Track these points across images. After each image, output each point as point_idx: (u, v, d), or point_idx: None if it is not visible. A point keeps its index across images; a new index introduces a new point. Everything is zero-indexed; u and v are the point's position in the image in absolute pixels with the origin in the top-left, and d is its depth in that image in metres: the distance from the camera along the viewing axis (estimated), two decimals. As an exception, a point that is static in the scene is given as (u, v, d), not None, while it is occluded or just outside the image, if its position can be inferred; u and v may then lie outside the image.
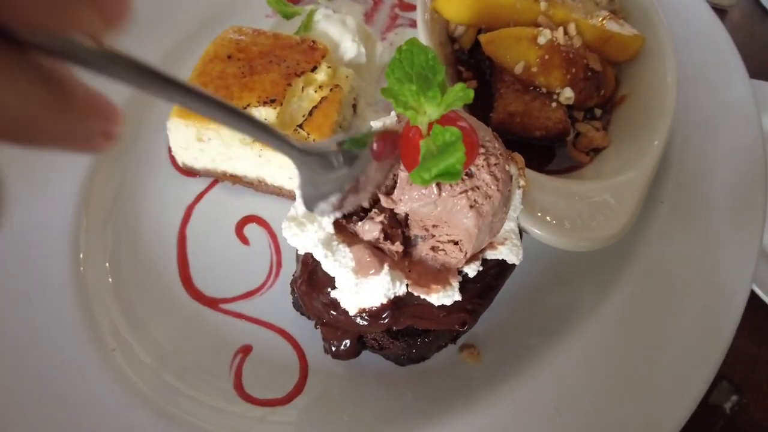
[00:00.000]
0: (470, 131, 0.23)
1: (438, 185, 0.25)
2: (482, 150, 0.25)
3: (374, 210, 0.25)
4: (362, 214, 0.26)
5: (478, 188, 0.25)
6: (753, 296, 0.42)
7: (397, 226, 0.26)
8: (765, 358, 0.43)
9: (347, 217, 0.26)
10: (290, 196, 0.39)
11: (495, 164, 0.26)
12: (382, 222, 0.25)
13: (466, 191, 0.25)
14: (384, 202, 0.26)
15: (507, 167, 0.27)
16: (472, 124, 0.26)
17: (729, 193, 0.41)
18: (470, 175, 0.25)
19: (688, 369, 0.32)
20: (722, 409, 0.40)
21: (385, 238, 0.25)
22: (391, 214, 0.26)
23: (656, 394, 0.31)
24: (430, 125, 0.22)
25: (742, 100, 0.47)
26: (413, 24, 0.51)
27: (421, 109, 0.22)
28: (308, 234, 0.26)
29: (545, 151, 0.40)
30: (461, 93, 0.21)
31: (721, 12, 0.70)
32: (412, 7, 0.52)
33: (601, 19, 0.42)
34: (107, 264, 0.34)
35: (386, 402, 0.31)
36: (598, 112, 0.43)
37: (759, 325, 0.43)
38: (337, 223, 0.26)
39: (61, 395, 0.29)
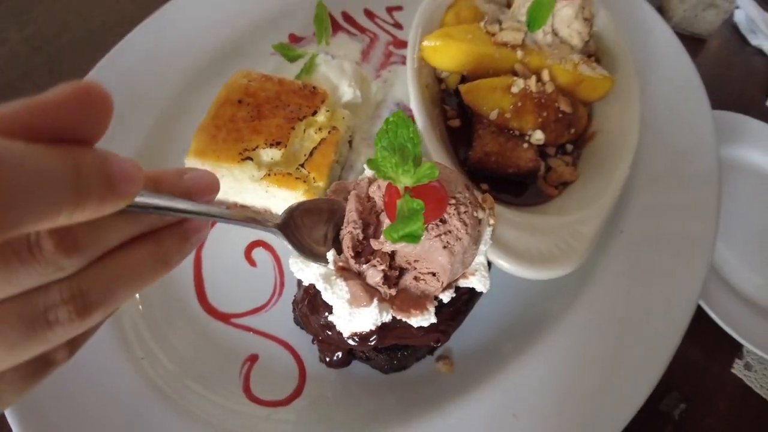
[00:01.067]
0: (439, 189, 0.29)
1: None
2: (453, 201, 0.31)
3: (377, 259, 0.31)
4: (362, 256, 0.32)
5: (450, 232, 0.31)
6: (707, 315, 0.48)
7: (392, 272, 0.31)
8: (715, 371, 0.49)
9: (356, 255, 0.31)
10: (292, 224, 0.44)
11: (464, 212, 0.31)
12: (383, 270, 0.30)
13: (440, 235, 0.31)
14: (373, 244, 0.31)
15: (475, 213, 0.32)
16: (445, 179, 0.32)
17: (683, 220, 0.46)
18: (443, 221, 0.31)
19: (635, 378, 0.38)
20: (671, 415, 0.45)
21: (384, 282, 0.31)
22: (390, 261, 0.31)
23: (603, 400, 0.36)
24: (406, 189, 0.27)
25: (702, 134, 0.52)
26: (405, 62, 0.56)
27: (398, 178, 0.27)
28: (311, 269, 0.32)
29: (518, 185, 0.45)
30: (428, 171, 0.26)
31: (699, 41, 0.74)
32: (405, 45, 0.58)
33: (574, 63, 0.47)
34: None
35: (371, 404, 0.37)
36: (569, 147, 0.48)
37: (710, 341, 0.48)
38: (349, 258, 0.32)
39: (100, 395, 0.35)
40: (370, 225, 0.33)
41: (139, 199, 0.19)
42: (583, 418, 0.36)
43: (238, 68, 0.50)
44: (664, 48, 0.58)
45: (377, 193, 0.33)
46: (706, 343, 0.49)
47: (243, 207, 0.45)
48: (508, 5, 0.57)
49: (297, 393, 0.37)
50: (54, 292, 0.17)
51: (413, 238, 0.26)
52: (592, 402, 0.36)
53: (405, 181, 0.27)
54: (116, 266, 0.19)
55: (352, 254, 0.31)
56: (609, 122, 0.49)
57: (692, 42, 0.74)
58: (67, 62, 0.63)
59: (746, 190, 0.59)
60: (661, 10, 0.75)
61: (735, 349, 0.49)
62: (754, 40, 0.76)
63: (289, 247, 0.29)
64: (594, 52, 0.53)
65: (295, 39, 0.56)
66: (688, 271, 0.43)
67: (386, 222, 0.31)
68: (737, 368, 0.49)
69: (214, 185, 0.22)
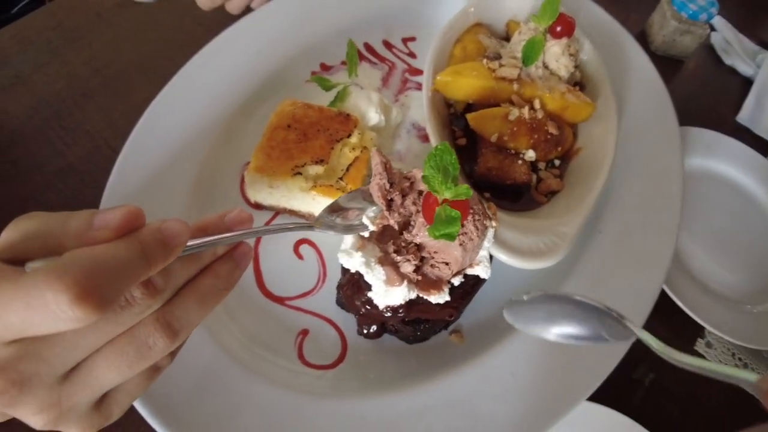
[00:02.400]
0: (466, 203, 0.40)
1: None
2: (471, 212, 0.42)
3: (411, 255, 0.42)
4: (397, 247, 0.43)
5: (465, 233, 0.42)
6: (674, 303, 0.59)
7: (420, 264, 0.42)
8: (679, 346, 0.59)
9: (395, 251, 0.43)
10: (331, 226, 0.56)
11: (477, 219, 0.42)
12: (416, 264, 0.42)
13: (458, 235, 0.42)
14: (406, 236, 0.43)
15: (485, 222, 0.43)
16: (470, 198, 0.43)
17: (651, 221, 0.57)
18: (462, 226, 0.42)
19: (608, 347, 0.49)
20: (642, 382, 0.57)
21: (414, 272, 0.42)
22: (418, 254, 0.43)
23: (582, 363, 0.48)
24: (444, 200, 0.39)
25: (669, 148, 0.63)
26: (419, 87, 0.68)
27: (441, 191, 0.38)
28: (355, 259, 0.43)
29: (514, 194, 0.57)
30: (465, 191, 0.38)
31: (678, 62, 0.86)
32: (419, 72, 0.69)
33: (561, 92, 0.59)
34: None
35: (398, 367, 0.49)
36: (557, 162, 0.60)
37: (677, 324, 0.59)
38: (382, 247, 0.43)
39: (190, 365, 0.46)
40: (403, 216, 0.44)
41: (192, 242, 0.27)
42: (566, 377, 0.47)
43: (278, 94, 0.61)
44: (640, 72, 0.70)
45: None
46: (673, 325, 0.60)
47: (291, 212, 0.56)
48: (506, 39, 0.68)
49: (340, 359, 0.49)
50: (149, 325, 0.25)
51: (450, 237, 0.38)
52: (574, 364, 0.48)
53: (446, 194, 0.38)
54: (189, 298, 0.27)
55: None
56: (591, 141, 0.60)
57: (671, 63, 0.85)
58: (123, 83, 0.75)
59: (712, 196, 0.70)
60: (644, 34, 0.87)
61: (698, 330, 0.60)
62: (728, 60, 0.87)
63: (327, 233, 0.40)
64: (579, 80, 0.64)
65: (325, 68, 0.68)
66: (654, 262, 0.54)
67: (419, 222, 0.42)
68: (699, 346, 0.61)
69: (246, 220, 0.31)
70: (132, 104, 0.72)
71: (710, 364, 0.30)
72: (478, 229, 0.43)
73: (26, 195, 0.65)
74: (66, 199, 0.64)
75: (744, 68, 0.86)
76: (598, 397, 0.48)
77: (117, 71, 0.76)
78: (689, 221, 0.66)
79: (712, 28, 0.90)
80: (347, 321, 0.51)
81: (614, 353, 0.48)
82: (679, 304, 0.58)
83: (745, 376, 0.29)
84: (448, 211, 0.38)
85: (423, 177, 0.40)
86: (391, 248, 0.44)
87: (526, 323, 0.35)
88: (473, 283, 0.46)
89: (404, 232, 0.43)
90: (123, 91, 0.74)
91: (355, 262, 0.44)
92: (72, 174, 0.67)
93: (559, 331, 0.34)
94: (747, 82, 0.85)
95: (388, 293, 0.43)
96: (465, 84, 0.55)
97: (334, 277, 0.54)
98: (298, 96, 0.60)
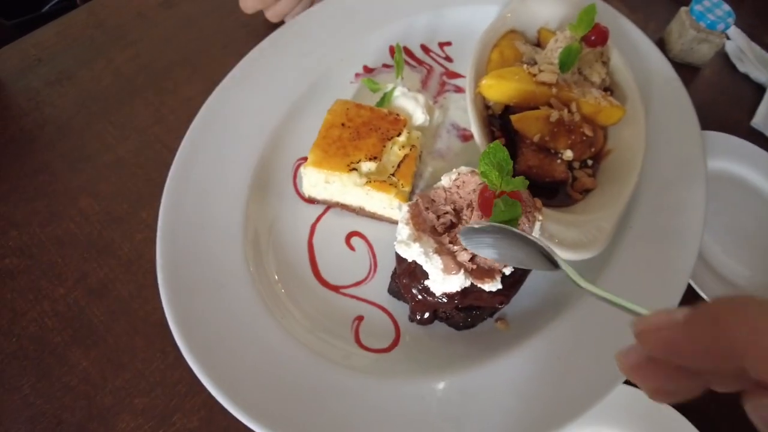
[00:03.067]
0: (520, 194, 0.44)
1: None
2: (522, 204, 0.47)
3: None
4: (452, 238, 0.47)
5: (519, 224, 0.46)
6: (699, 295, 0.64)
7: (474, 254, 0.47)
8: None
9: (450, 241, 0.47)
10: (381, 219, 0.60)
11: (528, 212, 0.47)
12: (471, 253, 0.46)
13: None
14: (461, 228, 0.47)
15: (535, 214, 0.48)
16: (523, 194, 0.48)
17: (677, 218, 0.62)
18: None
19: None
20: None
21: (469, 261, 0.46)
22: None
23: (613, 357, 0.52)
24: (501, 193, 0.43)
25: (693, 150, 0.68)
26: (457, 90, 0.72)
27: (498, 185, 0.43)
28: (413, 249, 0.47)
29: (552, 190, 0.61)
30: (521, 182, 0.42)
31: (695, 70, 0.91)
32: (456, 75, 0.74)
33: (594, 97, 0.63)
34: (273, 267, 0.56)
35: (448, 351, 0.53)
36: (590, 162, 0.64)
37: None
38: (436, 239, 0.47)
39: (258, 349, 0.50)
40: (448, 215, 0.48)
41: None
42: (602, 360, 0.51)
43: (325, 95, 0.65)
44: (664, 79, 0.75)
45: (458, 195, 0.49)
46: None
47: (343, 206, 0.60)
48: (539, 45, 0.73)
49: (395, 343, 0.53)
50: None
51: (514, 221, 0.42)
52: (609, 349, 0.52)
53: (505, 187, 0.42)
54: None
55: (432, 238, 0.47)
56: (621, 142, 0.65)
57: (689, 70, 0.90)
58: (169, 81, 0.78)
59: (730, 197, 0.75)
60: (662, 42, 0.92)
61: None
62: (742, 68, 0.93)
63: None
64: (609, 86, 0.69)
65: (368, 70, 0.72)
66: (681, 256, 0.58)
67: (475, 215, 0.46)
68: (720, 335, 0.65)
69: None
70: (179, 101, 0.76)
71: (611, 295, 0.34)
72: (529, 220, 0.47)
73: (78, 186, 0.69)
74: (118, 191, 0.68)
75: (757, 75, 0.91)
76: (630, 383, 0.52)
77: (161, 69, 0.79)
78: (710, 219, 0.70)
79: (727, 37, 0.95)
80: (398, 308, 0.55)
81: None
82: (704, 296, 0.63)
83: (639, 311, 0.31)
84: (508, 201, 0.42)
85: (481, 173, 0.44)
86: (446, 239, 0.48)
87: (476, 246, 0.43)
88: (522, 272, 0.51)
89: (458, 226, 0.48)
90: (170, 89, 0.77)
91: (413, 252, 0.48)
92: (122, 167, 0.70)
93: (498, 254, 0.42)
94: (760, 89, 0.90)
95: (445, 281, 0.47)
96: (508, 87, 0.59)
97: (385, 267, 0.58)
98: (343, 96, 0.65)
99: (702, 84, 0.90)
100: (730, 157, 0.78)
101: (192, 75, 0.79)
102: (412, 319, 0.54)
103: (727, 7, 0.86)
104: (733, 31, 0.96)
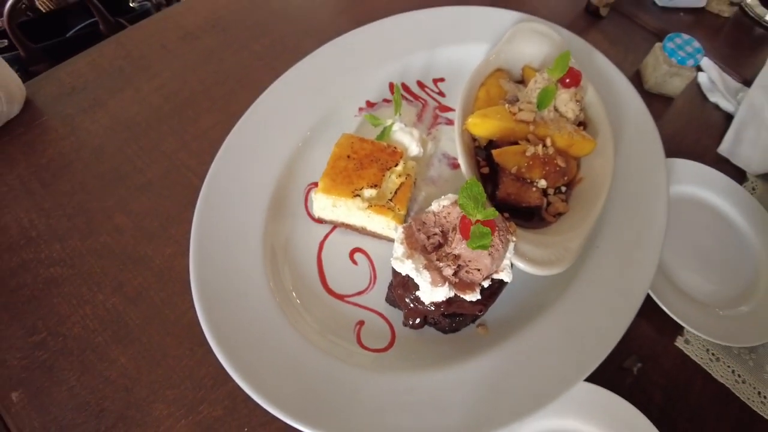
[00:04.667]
0: (493, 222, 0.56)
1: (472, 244, 0.58)
2: (497, 228, 0.58)
3: (449, 262, 0.58)
4: (438, 256, 0.59)
5: (493, 245, 0.58)
6: (658, 306, 0.75)
7: (457, 269, 0.59)
8: (663, 342, 0.76)
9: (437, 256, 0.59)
10: (381, 237, 0.72)
11: (502, 235, 0.59)
12: (454, 269, 0.58)
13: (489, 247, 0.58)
14: (446, 248, 0.59)
15: (508, 236, 0.60)
16: (496, 218, 0.59)
17: (640, 237, 0.73)
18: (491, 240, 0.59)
19: (603, 339, 0.65)
20: (631, 370, 0.72)
21: (453, 275, 0.58)
22: (456, 261, 0.59)
23: (582, 352, 0.64)
24: (477, 221, 0.55)
25: (657, 177, 0.79)
26: (448, 122, 0.85)
27: (474, 214, 0.55)
28: (406, 265, 0.59)
29: (529, 213, 0.73)
30: (492, 212, 0.54)
31: (669, 100, 1.03)
32: (448, 109, 0.86)
33: (568, 131, 0.75)
34: (288, 277, 0.68)
35: (436, 351, 0.64)
36: (563, 188, 0.76)
37: (660, 323, 0.75)
38: (426, 256, 0.59)
39: (275, 347, 0.62)
40: (437, 236, 0.60)
41: None
42: (567, 360, 0.63)
43: (332, 127, 0.78)
44: (634, 111, 0.87)
45: (445, 219, 0.61)
46: (657, 324, 0.76)
47: (347, 225, 0.72)
48: (523, 81, 0.85)
49: (390, 344, 0.65)
50: None
51: (484, 246, 0.54)
52: (573, 351, 0.63)
53: (478, 216, 0.54)
54: None
55: (423, 255, 0.59)
56: (591, 171, 0.77)
57: (663, 101, 1.03)
58: (192, 110, 0.91)
59: (695, 218, 0.87)
60: (638, 74, 1.05)
61: (678, 329, 0.76)
62: (712, 98, 1.05)
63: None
64: (583, 120, 0.81)
65: (369, 104, 0.84)
66: (641, 271, 0.70)
67: (457, 237, 0.58)
68: (679, 342, 0.76)
69: None
70: (201, 129, 0.89)
71: None
72: (502, 242, 0.59)
73: (113, 205, 0.81)
74: (148, 210, 0.80)
75: (725, 105, 1.03)
76: (593, 380, 0.64)
77: (184, 99, 0.92)
78: (673, 239, 0.82)
79: (700, 69, 1.08)
80: (394, 315, 0.67)
81: (608, 343, 0.64)
82: (663, 307, 0.74)
83: None
84: (481, 229, 0.54)
85: (459, 204, 0.56)
86: (434, 257, 0.60)
87: None
88: (498, 285, 0.62)
89: (444, 246, 0.60)
90: (192, 117, 0.90)
91: (406, 267, 0.60)
92: (152, 188, 0.82)
93: None
94: (728, 117, 1.02)
95: (433, 292, 0.59)
96: (491, 125, 0.72)
97: (383, 280, 0.70)
98: (347, 128, 0.77)
99: (674, 113, 1.03)
100: (695, 182, 0.90)
101: (211, 106, 0.91)
102: (405, 324, 0.66)
103: (697, 44, 0.98)
104: (706, 63, 1.09)
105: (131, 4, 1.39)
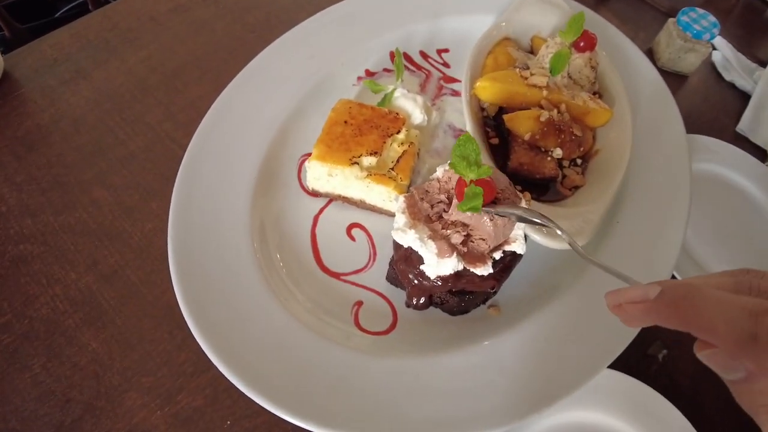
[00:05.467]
0: (490, 182, 0.49)
1: (472, 209, 0.51)
2: (499, 192, 0.51)
3: (458, 228, 0.51)
4: (443, 225, 0.52)
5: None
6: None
7: (466, 237, 0.51)
8: None
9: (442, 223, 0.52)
10: (381, 212, 0.65)
11: (507, 198, 0.52)
12: (464, 235, 0.51)
13: (488, 213, 0.51)
14: (445, 215, 0.52)
15: (514, 199, 0.52)
16: (495, 177, 0.52)
17: (662, 214, 0.66)
18: (494, 203, 0.51)
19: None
20: (656, 357, 0.65)
21: (461, 244, 0.51)
22: (465, 228, 0.51)
23: (603, 334, 0.56)
24: (471, 181, 0.48)
25: (678, 151, 0.73)
26: (453, 93, 0.78)
27: (467, 174, 0.48)
28: (409, 235, 0.52)
29: (543, 187, 0.66)
30: (485, 170, 0.47)
31: (683, 77, 0.97)
32: (453, 80, 0.80)
33: (583, 99, 0.69)
34: (277, 254, 0.60)
35: (442, 334, 0.57)
36: (579, 161, 0.70)
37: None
38: (430, 226, 0.52)
39: (262, 328, 0.54)
40: (441, 203, 0.53)
41: None
42: (589, 345, 0.55)
43: (329, 96, 0.71)
44: (650, 84, 0.80)
45: (448, 184, 0.54)
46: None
47: (344, 198, 0.65)
48: (532, 52, 0.79)
49: (392, 327, 0.57)
50: None
51: (475, 209, 0.47)
52: (596, 335, 0.56)
53: (470, 175, 0.47)
54: None
55: (425, 225, 0.52)
56: (609, 143, 0.70)
57: (676, 78, 0.97)
58: (180, 81, 0.84)
59: (714, 196, 0.81)
60: (651, 52, 0.99)
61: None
62: (728, 77, 0.99)
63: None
64: (598, 89, 0.75)
65: (369, 73, 0.78)
66: (664, 250, 0.63)
67: (454, 202, 0.51)
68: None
69: None
70: (189, 100, 0.82)
71: (605, 265, 0.42)
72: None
73: (91, 178, 0.73)
74: (129, 183, 0.73)
75: (742, 83, 0.97)
76: (617, 368, 0.56)
77: (172, 70, 0.85)
78: (693, 217, 0.75)
79: (714, 47, 1.02)
80: (396, 295, 0.60)
81: (628, 331, 0.57)
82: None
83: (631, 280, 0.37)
84: (473, 189, 0.47)
85: (450, 164, 0.49)
86: (438, 226, 0.53)
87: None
88: (511, 258, 0.55)
89: (443, 214, 0.52)
90: (180, 88, 0.83)
91: (408, 238, 0.52)
92: (134, 161, 0.75)
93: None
94: (745, 97, 0.96)
95: (439, 264, 0.52)
96: (501, 89, 0.65)
97: (383, 257, 0.62)
98: (345, 97, 0.70)
99: (689, 91, 0.96)
100: (716, 160, 0.84)
101: (201, 76, 0.85)
102: (408, 304, 0.58)
103: (712, 18, 0.93)
104: (720, 42, 1.03)
105: (124, -14, 1.33)
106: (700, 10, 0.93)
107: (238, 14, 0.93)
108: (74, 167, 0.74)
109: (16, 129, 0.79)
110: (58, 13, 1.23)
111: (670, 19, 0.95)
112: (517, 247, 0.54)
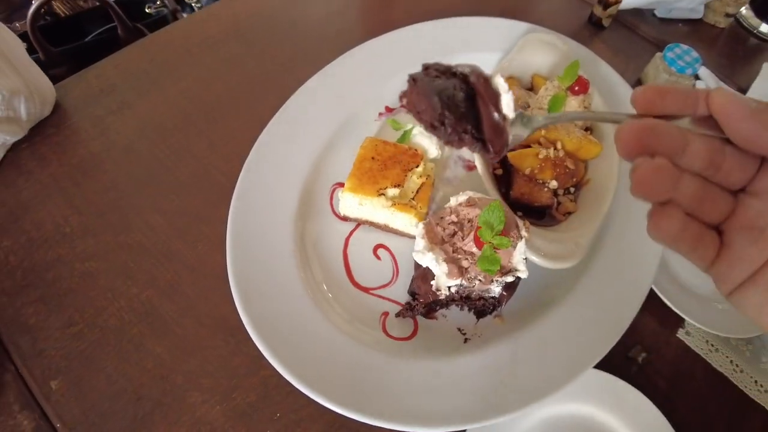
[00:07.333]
0: (506, 230, 0.62)
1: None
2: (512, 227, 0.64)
3: (467, 256, 0.64)
4: (455, 249, 0.65)
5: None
6: (660, 299, 0.81)
7: (473, 263, 0.64)
8: (665, 334, 0.82)
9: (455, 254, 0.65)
10: (402, 234, 0.78)
11: (514, 234, 0.65)
12: (471, 262, 0.64)
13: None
14: (464, 246, 0.65)
15: (520, 232, 0.65)
16: (508, 218, 0.65)
17: (643, 236, 0.80)
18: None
19: (609, 330, 0.71)
20: (636, 360, 0.79)
21: (468, 269, 0.64)
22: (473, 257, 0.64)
23: (590, 340, 0.70)
24: (488, 242, 0.61)
25: None
26: (464, 126, 0.91)
27: (490, 240, 0.60)
28: (427, 257, 0.65)
29: (541, 213, 0.79)
30: (505, 242, 0.60)
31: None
32: (463, 114, 0.92)
33: (577, 136, 0.82)
34: (318, 272, 0.73)
35: (455, 341, 0.70)
36: (572, 189, 0.83)
37: (662, 315, 0.82)
38: (443, 248, 0.65)
39: (308, 334, 0.67)
40: (457, 232, 0.66)
41: None
42: (578, 349, 0.69)
43: (354, 131, 0.84)
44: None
45: (465, 212, 0.67)
46: (660, 317, 0.82)
47: (371, 223, 0.78)
48: (532, 89, 0.92)
49: (413, 333, 0.70)
50: None
51: (491, 272, 0.60)
52: (584, 340, 0.69)
53: (493, 242, 0.60)
54: None
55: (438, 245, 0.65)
56: (598, 173, 0.83)
57: (663, 107, 1.10)
58: (218, 113, 0.96)
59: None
60: (640, 82, 1.12)
61: (680, 320, 0.83)
62: (710, 105, 1.12)
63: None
64: (590, 126, 0.88)
65: (389, 109, 0.90)
66: (645, 266, 0.76)
67: (470, 236, 0.64)
68: (680, 333, 0.83)
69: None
70: (228, 130, 0.94)
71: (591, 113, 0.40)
72: (511, 239, 0.65)
73: (144, 203, 0.86)
74: (179, 208, 0.85)
75: (722, 112, 1.11)
76: (602, 368, 0.70)
77: (210, 102, 0.98)
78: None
79: (698, 78, 1.15)
80: (416, 307, 0.73)
81: (615, 333, 0.70)
82: (665, 300, 0.80)
83: (618, 119, 0.34)
84: (493, 254, 0.60)
85: (480, 222, 0.62)
86: (449, 249, 0.66)
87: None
88: (515, 280, 0.68)
89: (458, 233, 0.66)
90: (218, 119, 0.95)
91: (426, 260, 0.65)
92: (182, 188, 0.87)
93: None
94: (725, 124, 1.10)
95: (448, 282, 0.65)
96: (505, 130, 0.78)
97: (405, 273, 0.75)
98: (368, 131, 0.83)
99: (674, 119, 1.10)
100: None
101: (236, 108, 0.97)
102: (424, 315, 0.71)
103: (695, 54, 1.06)
104: (703, 72, 1.16)
105: (147, 10, 1.45)
106: (684, 46, 1.06)
107: (267, 50, 1.05)
108: (127, 192, 0.87)
109: (71, 156, 0.91)
110: (89, 38, 1.34)
111: (657, 54, 1.08)
112: (521, 273, 0.67)
